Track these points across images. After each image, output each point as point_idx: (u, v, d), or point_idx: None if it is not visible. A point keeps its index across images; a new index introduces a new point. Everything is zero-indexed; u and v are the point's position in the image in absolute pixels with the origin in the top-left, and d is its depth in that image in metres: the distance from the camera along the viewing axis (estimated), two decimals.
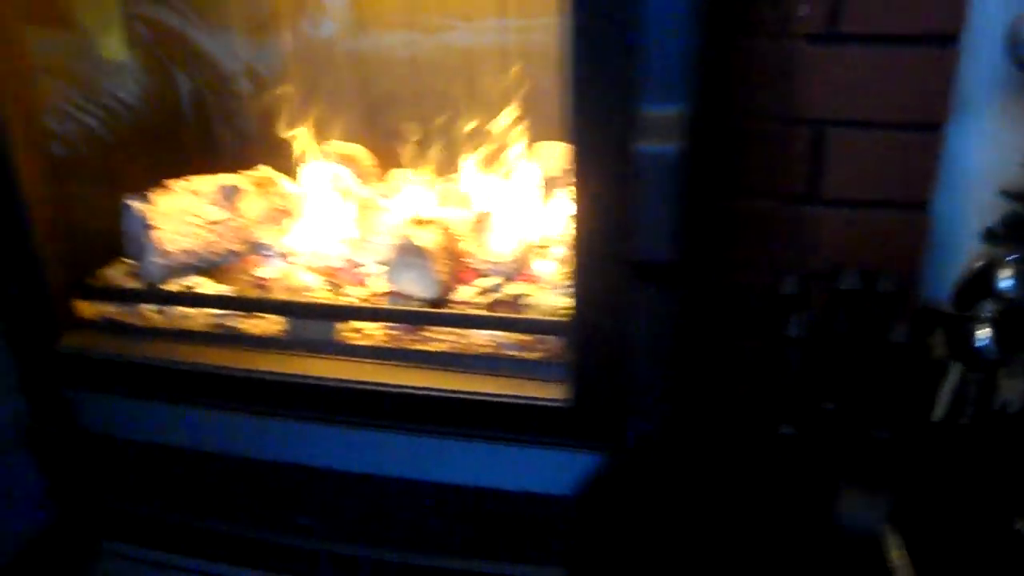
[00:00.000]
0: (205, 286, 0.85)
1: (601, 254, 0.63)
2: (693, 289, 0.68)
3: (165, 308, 0.83)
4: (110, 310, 0.84)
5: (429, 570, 0.79)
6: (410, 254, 0.78)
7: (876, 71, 0.79)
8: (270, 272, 0.87)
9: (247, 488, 0.82)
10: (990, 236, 0.94)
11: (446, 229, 0.82)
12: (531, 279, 0.83)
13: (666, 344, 0.65)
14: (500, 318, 0.74)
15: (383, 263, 0.84)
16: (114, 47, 0.93)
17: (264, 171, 0.97)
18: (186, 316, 0.83)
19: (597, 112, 0.59)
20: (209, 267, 0.87)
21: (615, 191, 0.60)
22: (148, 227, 0.82)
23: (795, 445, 0.72)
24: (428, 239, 0.78)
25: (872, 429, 0.73)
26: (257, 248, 0.90)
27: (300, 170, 0.96)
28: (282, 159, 1.00)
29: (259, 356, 0.79)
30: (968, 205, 0.87)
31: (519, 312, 0.77)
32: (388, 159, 1.00)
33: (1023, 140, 0.83)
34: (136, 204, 0.83)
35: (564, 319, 0.70)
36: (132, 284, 0.85)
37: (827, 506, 0.73)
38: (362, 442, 0.76)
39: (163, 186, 0.86)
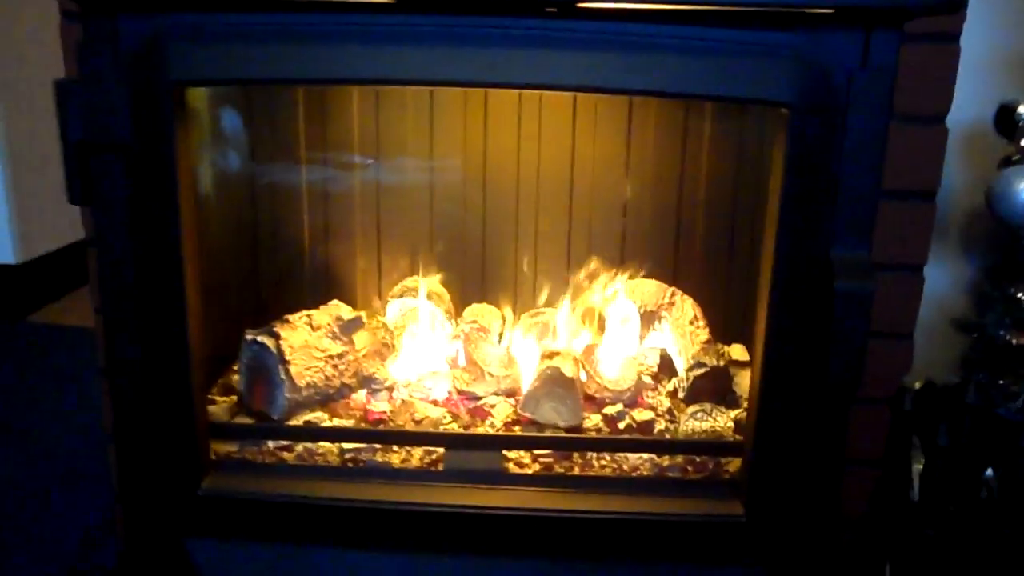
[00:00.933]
0: (325, 421, 0.84)
1: (787, 379, 0.71)
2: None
3: (290, 445, 0.81)
4: (229, 449, 0.80)
5: None
6: (557, 384, 0.82)
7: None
8: (383, 405, 0.87)
9: None
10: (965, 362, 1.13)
11: (575, 360, 0.87)
12: (648, 406, 0.89)
13: (837, 462, 0.73)
14: (684, 441, 0.80)
15: (499, 393, 0.88)
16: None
17: (337, 305, 0.98)
18: (313, 453, 0.81)
19: (795, 256, 0.69)
20: (325, 401, 0.86)
21: (805, 324, 0.69)
22: (285, 362, 0.81)
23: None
24: (572, 370, 0.83)
25: None
26: (366, 382, 0.90)
27: (388, 305, 0.98)
28: (348, 295, 1.02)
29: (400, 488, 0.78)
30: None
31: (648, 435, 0.83)
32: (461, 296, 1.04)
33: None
34: (267, 339, 0.82)
35: (739, 439, 0.76)
36: (243, 420, 0.83)
37: None
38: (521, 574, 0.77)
39: (285, 320, 0.85)
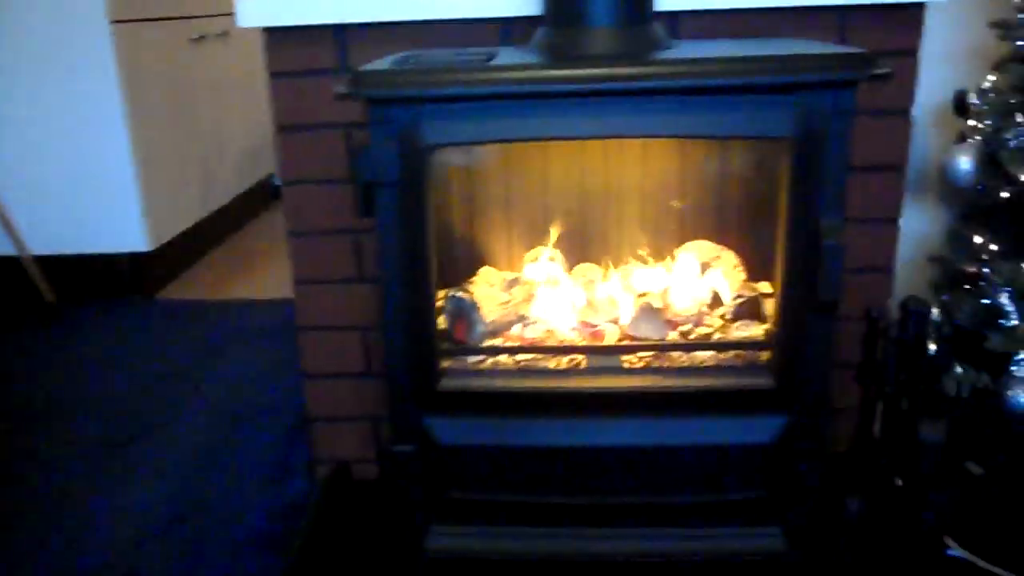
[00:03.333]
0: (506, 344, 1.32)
1: (797, 298, 1.17)
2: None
3: (484, 359, 1.28)
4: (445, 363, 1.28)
5: (669, 505, 1.27)
6: (649, 312, 1.29)
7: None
8: (534, 334, 1.35)
9: (553, 468, 1.27)
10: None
11: (659, 297, 1.34)
12: (707, 324, 1.36)
13: (826, 351, 1.20)
14: (735, 341, 1.27)
15: (612, 322, 1.35)
16: None
17: (489, 269, 1.45)
18: (497, 364, 1.29)
19: (799, 222, 1.14)
20: (498, 332, 1.34)
21: (805, 266, 1.15)
22: (478, 308, 1.28)
23: None
24: (658, 303, 1.30)
25: None
26: (521, 319, 1.37)
27: (525, 268, 1.46)
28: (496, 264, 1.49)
29: (560, 380, 1.26)
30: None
31: (708, 340, 1.30)
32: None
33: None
34: (464, 294, 1.29)
35: (767, 339, 1.23)
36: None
37: None
38: (636, 425, 1.24)
39: (470, 281, 1.33)
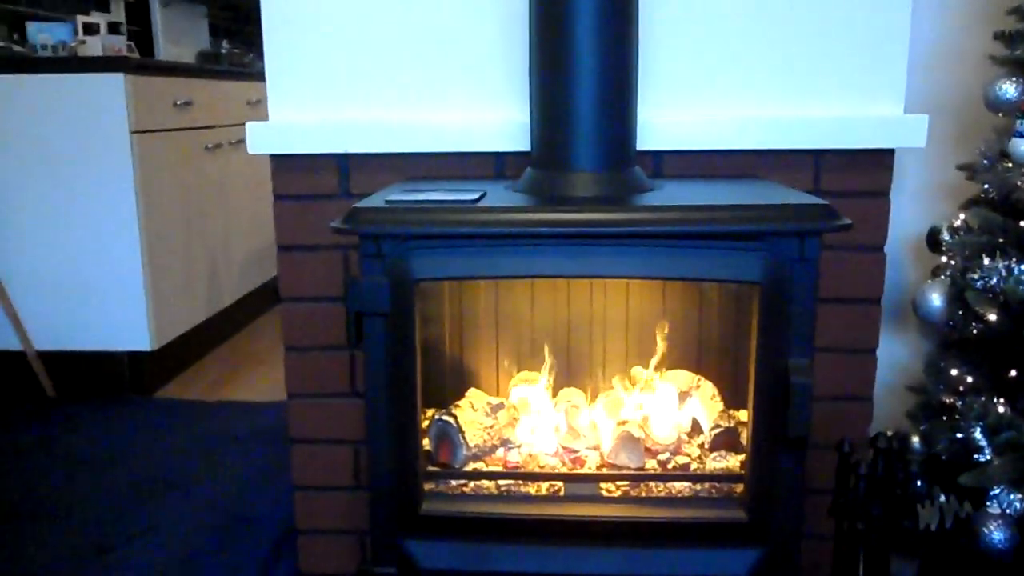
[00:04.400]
0: (486, 470, 1.35)
1: (768, 434, 1.21)
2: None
3: (466, 483, 1.31)
4: (429, 486, 1.31)
5: None
6: (629, 440, 1.33)
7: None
8: (517, 457, 1.38)
9: None
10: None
11: (639, 425, 1.37)
12: (685, 453, 1.39)
13: (797, 485, 1.23)
14: (710, 473, 1.30)
15: (592, 448, 1.38)
16: None
17: (476, 392, 1.49)
18: (479, 487, 1.32)
19: (768, 360, 1.19)
20: (480, 456, 1.37)
21: (776, 401, 1.19)
22: (462, 432, 1.32)
23: None
24: (637, 432, 1.34)
25: None
26: (505, 443, 1.40)
27: (511, 391, 1.50)
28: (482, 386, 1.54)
29: (537, 506, 1.29)
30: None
31: (686, 471, 1.33)
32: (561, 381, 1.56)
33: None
34: (449, 417, 1.33)
35: (743, 472, 1.26)
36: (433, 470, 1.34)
37: None
38: (613, 555, 1.26)
39: (455, 404, 1.37)
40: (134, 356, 2.76)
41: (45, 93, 2.58)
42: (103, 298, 2.71)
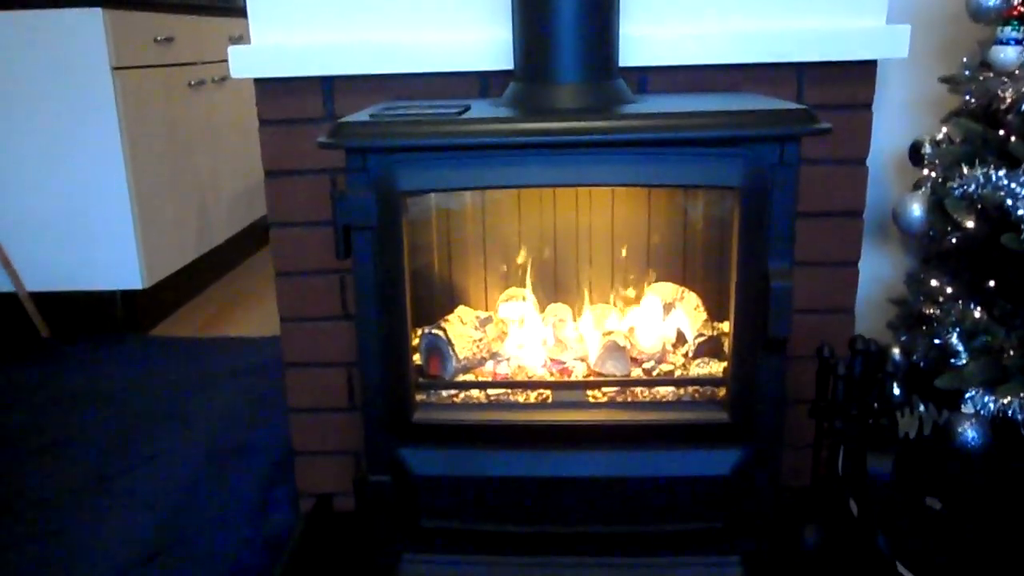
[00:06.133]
0: (478, 379, 1.38)
1: (747, 336, 1.24)
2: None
3: (456, 393, 1.35)
4: (420, 397, 1.35)
5: (632, 534, 1.33)
6: (615, 350, 1.36)
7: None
8: (506, 369, 1.41)
9: (520, 499, 1.33)
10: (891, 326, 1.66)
11: (624, 335, 1.40)
12: (669, 362, 1.42)
13: (777, 386, 1.26)
14: (693, 377, 1.33)
15: (579, 359, 1.41)
16: None
17: (464, 309, 1.52)
18: (468, 398, 1.35)
19: (750, 265, 1.22)
20: (469, 368, 1.40)
21: (757, 306, 1.22)
22: (451, 344, 1.35)
23: None
24: (623, 341, 1.37)
25: None
26: (494, 355, 1.44)
27: (499, 307, 1.53)
28: (471, 303, 1.56)
29: (527, 413, 1.32)
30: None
31: (670, 377, 1.37)
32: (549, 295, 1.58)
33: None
34: (439, 331, 1.36)
35: (725, 376, 1.30)
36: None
37: None
38: (600, 458, 1.30)
39: (444, 319, 1.40)
40: (127, 295, 2.78)
41: (22, 30, 2.55)
42: (93, 237, 2.72)
